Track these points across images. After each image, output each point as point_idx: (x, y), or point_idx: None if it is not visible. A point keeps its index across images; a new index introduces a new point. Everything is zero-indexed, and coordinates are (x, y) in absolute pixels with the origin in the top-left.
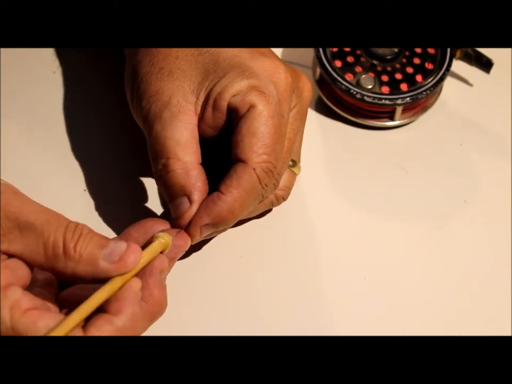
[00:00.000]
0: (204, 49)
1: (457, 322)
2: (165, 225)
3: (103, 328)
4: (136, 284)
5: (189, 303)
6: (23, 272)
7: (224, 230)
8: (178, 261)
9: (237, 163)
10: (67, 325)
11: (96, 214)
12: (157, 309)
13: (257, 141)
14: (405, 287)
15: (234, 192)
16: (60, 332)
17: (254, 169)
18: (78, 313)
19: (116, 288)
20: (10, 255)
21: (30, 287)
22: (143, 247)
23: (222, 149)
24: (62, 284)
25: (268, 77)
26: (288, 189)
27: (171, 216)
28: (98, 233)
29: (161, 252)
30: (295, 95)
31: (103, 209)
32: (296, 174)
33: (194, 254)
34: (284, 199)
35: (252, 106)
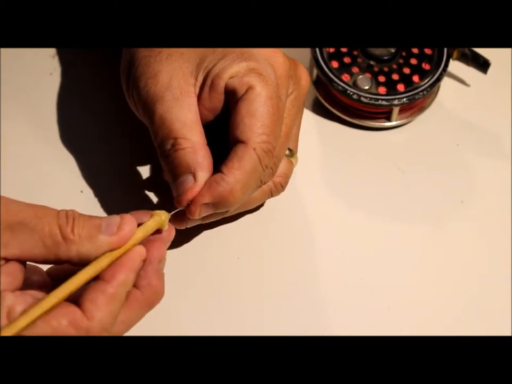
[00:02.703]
0: None
1: (455, 323)
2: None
3: (98, 300)
4: (138, 251)
5: (184, 302)
6: (15, 276)
7: (222, 214)
8: (175, 260)
9: (237, 144)
10: (49, 302)
11: (93, 215)
12: (154, 298)
13: (256, 121)
14: (402, 287)
15: (236, 173)
16: (40, 309)
17: (254, 149)
18: (62, 290)
19: (104, 266)
20: (7, 260)
21: (26, 289)
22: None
23: (218, 133)
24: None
25: (266, 59)
26: (286, 177)
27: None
28: (88, 215)
29: (158, 231)
30: (293, 82)
31: (100, 210)
32: (293, 164)
33: (190, 254)
34: (283, 187)
35: (250, 88)
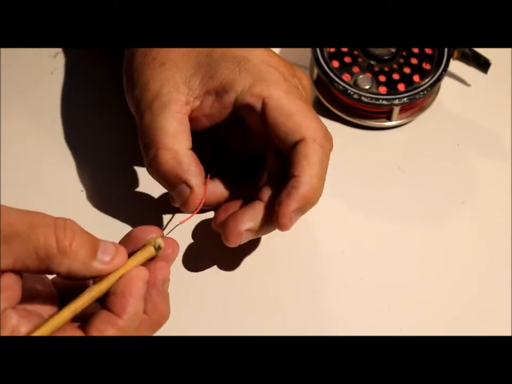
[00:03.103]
0: None
1: (455, 323)
2: (155, 231)
3: (106, 332)
4: (140, 276)
5: (184, 302)
6: (14, 289)
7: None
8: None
9: (296, 145)
10: (50, 325)
11: (93, 214)
12: (160, 319)
13: (298, 117)
14: (402, 287)
15: (309, 170)
16: (44, 331)
17: (314, 140)
18: (61, 317)
19: (104, 290)
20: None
21: (31, 301)
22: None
23: (215, 138)
24: (64, 297)
25: (263, 62)
26: None
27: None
28: (87, 232)
29: (153, 258)
30: (295, 81)
31: (100, 210)
32: None
33: (189, 253)
34: None
35: (265, 98)
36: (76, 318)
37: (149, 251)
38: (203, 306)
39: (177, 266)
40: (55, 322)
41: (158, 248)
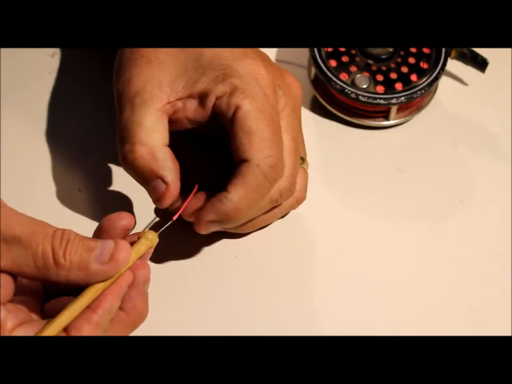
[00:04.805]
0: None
1: (454, 322)
2: (125, 217)
3: (83, 328)
4: (125, 277)
5: (184, 301)
6: (6, 288)
7: (236, 228)
8: (172, 258)
9: (241, 163)
10: (57, 326)
11: (91, 213)
12: (138, 319)
13: (254, 137)
14: (401, 287)
15: (240, 190)
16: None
17: (257, 165)
18: (57, 323)
19: (100, 291)
20: None
21: (16, 295)
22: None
23: (197, 141)
24: (48, 293)
25: (248, 74)
26: (305, 188)
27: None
28: (85, 237)
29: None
30: (283, 92)
31: (98, 209)
32: (307, 170)
33: (189, 252)
34: (303, 199)
35: (237, 108)
36: None
37: (145, 243)
38: (201, 305)
39: (176, 264)
40: (61, 323)
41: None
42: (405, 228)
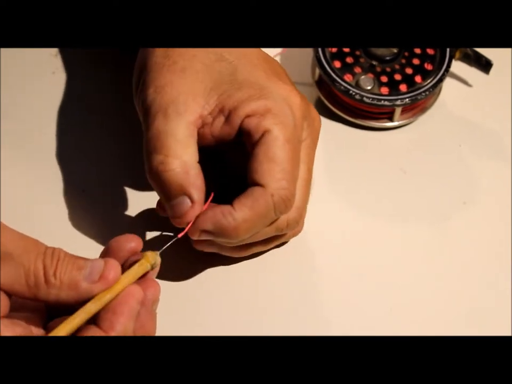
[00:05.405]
0: (222, 57)
1: (456, 323)
2: (133, 239)
3: None
4: (135, 295)
5: (184, 301)
6: (2, 304)
7: (232, 251)
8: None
9: (255, 186)
10: None
11: (95, 215)
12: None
13: (275, 166)
14: (404, 288)
15: (247, 212)
16: None
17: (272, 195)
18: (61, 331)
19: (99, 308)
20: None
21: (19, 311)
22: (131, 265)
23: (216, 159)
24: (51, 312)
25: (283, 99)
26: (303, 222)
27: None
28: (74, 255)
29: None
30: (307, 124)
31: (102, 210)
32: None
33: (189, 251)
34: (299, 232)
35: (266, 131)
36: None
37: (144, 267)
38: (201, 305)
39: (176, 264)
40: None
41: (153, 264)
42: (407, 229)
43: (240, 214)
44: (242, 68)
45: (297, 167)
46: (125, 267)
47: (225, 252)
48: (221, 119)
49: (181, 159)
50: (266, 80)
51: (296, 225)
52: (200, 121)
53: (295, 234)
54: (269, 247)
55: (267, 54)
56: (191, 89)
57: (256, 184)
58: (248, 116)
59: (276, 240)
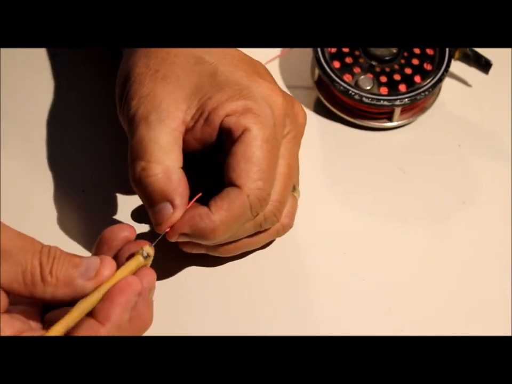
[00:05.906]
0: (202, 59)
1: (456, 323)
2: (126, 229)
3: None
4: (133, 286)
5: (184, 301)
6: (1, 300)
7: (218, 251)
8: (172, 259)
9: (231, 186)
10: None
11: (94, 215)
12: (142, 327)
13: (252, 166)
14: (403, 288)
15: (223, 214)
16: None
17: (248, 196)
18: (59, 327)
19: (95, 303)
20: None
21: (16, 305)
22: (128, 258)
23: (202, 163)
24: (47, 303)
25: (264, 99)
26: (293, 214)
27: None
28: (70, 253)
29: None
30: (290, 120)
31: (102, 210)
32: (297, 199)
33: (179, 252)
34: (290, 227)
35: (246, 130)
36: None
37: (137, 260)
38: (201, 305)
39: (175, 264)
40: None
41: (146, 257)
42: (407, 229)
43: (217, 216)
44: (222, 68)
45: (275, 166)
46: (119, 256)
47: (213, 253)
48: (200, 122)
49: (164, 164)
50: (247, 80)
51: (274, 219)
52: (183, 127)
53: (285, 230)
54: (257, 245)
55: (247, 55)
56: (172, 95)
57: (233, 184)
58: (228, 115)
59: (264, 237)
